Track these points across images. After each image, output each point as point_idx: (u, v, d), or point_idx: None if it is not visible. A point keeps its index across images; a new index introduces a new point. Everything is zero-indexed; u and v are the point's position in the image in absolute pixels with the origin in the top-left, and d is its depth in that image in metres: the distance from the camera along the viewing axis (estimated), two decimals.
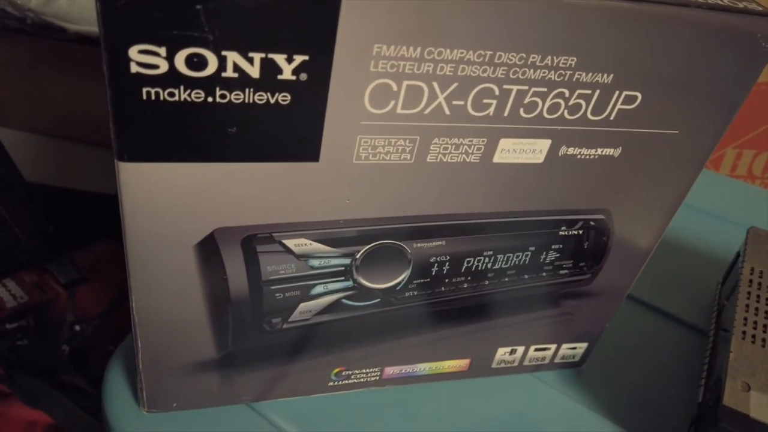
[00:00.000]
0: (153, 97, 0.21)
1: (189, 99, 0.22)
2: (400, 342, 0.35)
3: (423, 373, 0.37)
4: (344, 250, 0.29)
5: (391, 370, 0.36)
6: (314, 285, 0.30)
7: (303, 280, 0.30)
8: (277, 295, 0.30)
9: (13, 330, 0.63)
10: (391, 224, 0.29)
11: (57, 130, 0.78)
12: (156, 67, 0.21)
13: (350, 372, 0.35)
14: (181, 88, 0.22)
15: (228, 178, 0.25)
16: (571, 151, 0.29)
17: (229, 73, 0.22)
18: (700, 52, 0.26)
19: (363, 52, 0.23)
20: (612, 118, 0.28)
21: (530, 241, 0.32)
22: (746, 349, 0.35)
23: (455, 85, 0.25)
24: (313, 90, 0.23)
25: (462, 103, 0.25)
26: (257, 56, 0.22)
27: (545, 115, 0.27)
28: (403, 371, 0.37)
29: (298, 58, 0.22)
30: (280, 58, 0.22)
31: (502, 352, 0.38)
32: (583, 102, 0.27)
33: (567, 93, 0.26)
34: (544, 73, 0.25)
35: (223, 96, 0.22)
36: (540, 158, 0.28)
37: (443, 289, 0.33)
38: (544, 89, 0.26)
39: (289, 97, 0.23)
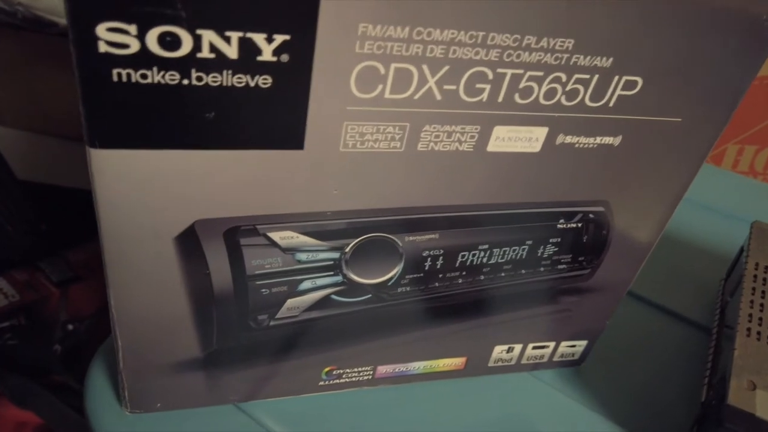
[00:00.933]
0: (124, 79, 0.20)
1: (163, 81, 0.21)
2: (392, 340, 0.34)
3: (417, 372, 0.36)
4: (333, 244, 0.28)
5: (384, 369, 0.35)
6: (302, 280, 0.29)
7: (290, 275, 0.28)
8: (263, 290, 0.28)
9: (4, 329, 0.62)
10: (381, 216, 0.28)
11: (49, 128, 0.77)
12: (126, 46, 0.20)
13: (341, 371, 0.34)
14: (154, 69, 0.20)
15: (207, 166, 0.23)
16: (569, 139, 0.27)
17: (205, 53, 0.20)
18: (704, 34, 0.25)
19: (348, 31, 0.21)
20: (611, 104, 0.27)
21: (527, 234, 0.31)
22: (751, 346, 0.34)
23: (446, 68, 0.23)
24: (295, 72, 0.22)
25: (454, 87, 0.24)
26: (235, 35, 0.20)
27: (541, 101, 0.26)
28: (396, 370, 0.35)
29: (279, 38, 0.21)
30: (259, 38, 0.21)
31: (498, 350, 0.37)
32: (581, 87, 0.26)
33: (564, 77, 0.25)
34: (539, 56, 0.24)
35: (199, 78, 0.21)
36: (536, 147, 0.27)
37: (437, 284, 0.32)
38: (540, 73, 0.25)
39: (269, 80, 0.22)
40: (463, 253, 0.31)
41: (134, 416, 0.32)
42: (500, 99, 0.25)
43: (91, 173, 0.22)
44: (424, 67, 0.23)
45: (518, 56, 0.24)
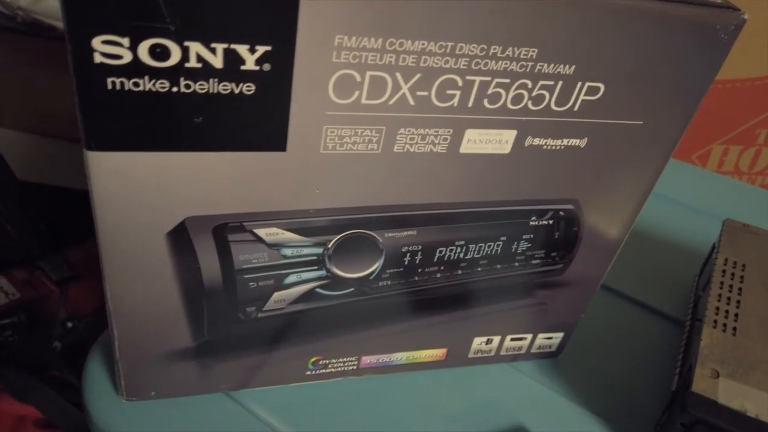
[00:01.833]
0: (118, 87, 0.22)
1: (154, 89, 0.22)
2: (376, 331, 0.35)
3: (400, 363, 0.38)
4: (316, 240, 0.30)
5: (368, 359, 0.37)
6: (287, 274, 0.31)
7: (276, 269, 0.30)
8: (251, 284, 0.30)
9: (4, 326, 0.63)
10: (362, 214, 0.30)
11: (48, 129, 0.79)
12: (119, 57, 0.21)
13: (327, 361, 0.36)
14: (146, 78, 0.22)
15: (196, 167, 0.25)
16: (537, 141, 0.29)
17: (193, 63, 0.22)
18: (661, 43, 0.27)
19: (325, 42, 0.23)
20: (576, 109, 0.28)
21: (501, 231, 0.33)
22: (716, 337, 0.36)
23: (418, 75, 0.25)
24: (276, 80, 0.24)
25: (426, 93, 0.26)
26: (220, 47, 0.22)
27: (509, 105, 0.27)
28: (380, 360, 0.37)
29: (261, 49, 0.23)
30: (242, 49, 0.22)
31: (478, 342, 0.38)
32: (546, 93, 0.27)
33: (530, 84, 0.27)
34: (505, 64, 0.26)
35: (187, 86, 0.23)
36: (506, 149, 0.29)
37: (417, 278, 0.33)
38: (507, 80, 0.26)
39: (253, 87, 0.23)
40: (440, 249, 0.32)
41: (130, 404, 0.34)
42: (470, 104, 0.27)
43: (87, 174, 0.24)
44: (398, 75, 0.25)
45: (485, 64, 0.26)
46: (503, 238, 0.33)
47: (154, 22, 0.21)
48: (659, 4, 0.26)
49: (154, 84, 0.22)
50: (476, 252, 0.33)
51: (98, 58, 0.21)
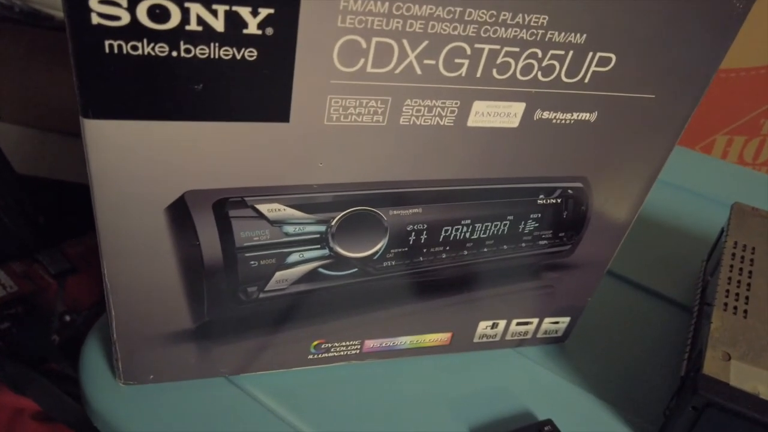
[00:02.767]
0: (116, 51, 0.21)
1: (153, 53, 0.22)
2: (379, 314, 0.35)
3: (404, 347, 0.37)
4: (319, 217, 0.29)
5: (371, 343, 0.36)
6: (290, 253, 0.30)
7: (278, 247, 0.29)
8: (252, 262, 0.29)
9: (2, 319, 0.63)
10: (366, 190, 0.29)
11: (47, 123, 0.78)
12: (118, 18, 0.21)
13: (330, 345, 0.35)
14: (145, 41, 0.21)
15: (196, 138, 0.24)
16: (546, 115, 0.28)
17: (193, 26, 0.21)
18: (675, 12, 0.26)
19: (330, 5, 0.22)
20: (587, 80, 0.28)
21: (508, 209, 0.32)
22: (727, 320, 0.35)
23: (426, 43, 0.24)
24: (279, 45, 0.23)
25: (433, 62, 0.25)
26: (221, 9, 0.21)
27: (518, 76, 0.27)
28: (383, 344, 0.36)
29: (264, 12, 0.22)
30: (244, 11, 0.22)
31: (483, 326, 0.38)
32: (556, 63, 0.27)
33: (540, 53, 0.26)
34: (515, 31, 0.25)
35: (187, 50, 0.22)
36: (515, 122, 0.28)
37: (421, 259, 0.33)
38: (517, 49, 0.26)
39: (255, 53, 0.23)
40: (446, 228, 0.32)
41: (128, 387, 0.33)
42: (478, 74, 0.26)
43: (84, 144, 0.23)
44: (404, 42, 0.24)
45: (495, 32, 0.25)
46: (510, 217, 0.32)
47: None
48: None
49: (152, 48, 0.22)
50: (483, 231, 0.33)
51: (95, 19, 0.20)
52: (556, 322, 0.39)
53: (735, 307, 0.36)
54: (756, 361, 0.33)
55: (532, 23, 0.25)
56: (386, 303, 0.34)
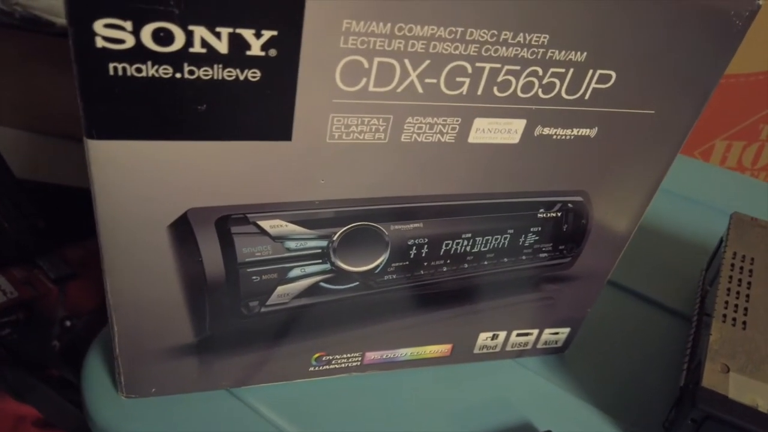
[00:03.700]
0: (120, 73, 0.21)
1: (157, 75, 0.22)
2: (380, 326, 0.35)
3: (405, 359, 0.37)
4: (320, 232, 0.29)
5: (372, 355, 0.36)
6: (291, 267, 0.30)
7: (279, 262, 0.30)
8: (254, 277, 0.30)
9: (3, 325, 0.63)
10: (367, 205, 0.29)
11: (47, 127, 0.78)
12: (122, 41, 0.21)
13: (331, 357, 0.35)
14: (149, 63, 0.21)
15: (199, 157, 0.25)
16: (546, 131, 0.29)
17: (197, 48, 0.22)
18: (674, 30, 0.26)
19: (332, 27, 0.23)
20: (587, 97, 0.28)
21: (509, 223, 0.32)
22: (726, 332, 0.35)
23: (427, 62, 0.25)
24: (282, 66, 0.23)
25: (435, 81, 0.25)
26: (225, 31, 0.21)
27: (519, 94, 0.27)
28: (384, 356, 0.37)
29: (267, 34, 0.22)
30: (248, 33, 0.22)
31: (484, 337, 0.38)
32: (557, 81, 0.27)
33: (540, 71, 0.26)
34: (516, 50, 0.25)
35: (191, 72, 0.22)
36: (515, 138, 0.28)
37: (422, 272, 0.33)
38: (518, 67, 0.26)
39: (258, 74, 0.23)
40: (447, 242, 0.32)
41: (130, 401, 0.33)
42: (479, 92, 0.26)
43: (88, 163, 0.24)
44: (406, 62, 0.24)
45: (496, 51, 0.25)
46: (510, 231, 0.33)
47: (158, 5, 0.20)
48: None
49: (157, 70, 0.22)
50: (483, 245, 0.33)
51: (100, 43, 0.21)
52: (556, 333, 0.39)
53: (734, 319, 0.36)
54: (755, 374, 0.33)
55: (533, 42, 0.25)
56: (387, 316, 0.34)
